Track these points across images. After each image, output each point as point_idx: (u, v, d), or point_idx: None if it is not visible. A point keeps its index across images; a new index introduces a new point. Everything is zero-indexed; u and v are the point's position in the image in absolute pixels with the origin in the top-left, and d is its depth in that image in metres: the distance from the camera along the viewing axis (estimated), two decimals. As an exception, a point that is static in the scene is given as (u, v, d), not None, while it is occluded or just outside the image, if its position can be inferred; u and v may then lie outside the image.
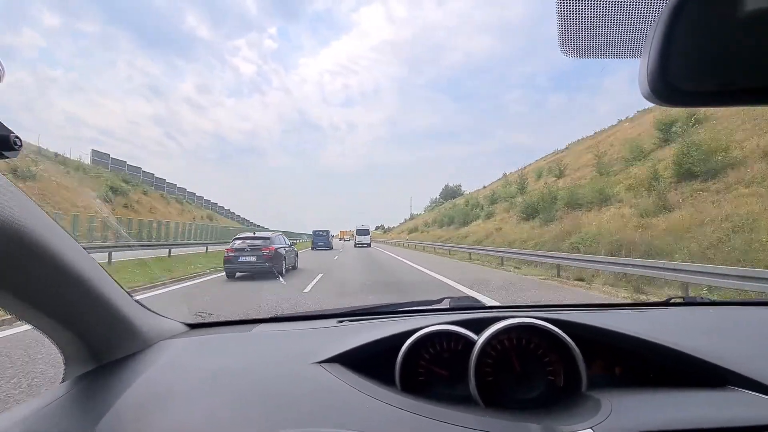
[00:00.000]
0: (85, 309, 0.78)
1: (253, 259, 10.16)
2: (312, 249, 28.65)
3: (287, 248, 11.87)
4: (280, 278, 9.95)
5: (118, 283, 0.88)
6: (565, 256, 11.15)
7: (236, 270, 10.20)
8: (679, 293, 7.15)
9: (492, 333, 0.90)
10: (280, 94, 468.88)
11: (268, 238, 10.78)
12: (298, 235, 49.59)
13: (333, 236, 35.99)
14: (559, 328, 0.91)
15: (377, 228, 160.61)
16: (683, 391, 0.81)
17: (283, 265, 10.99)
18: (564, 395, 0.87)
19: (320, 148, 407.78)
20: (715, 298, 1.50)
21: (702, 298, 1.53)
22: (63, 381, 0.86)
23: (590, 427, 0.66)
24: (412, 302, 1.43)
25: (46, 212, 0.68)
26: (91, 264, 0.77)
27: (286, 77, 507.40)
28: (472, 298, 1.48)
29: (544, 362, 0.93)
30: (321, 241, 29.71)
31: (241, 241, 10.57)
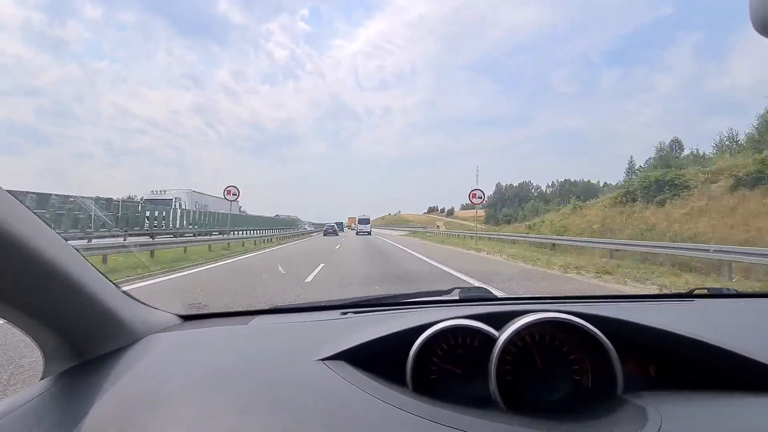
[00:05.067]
0: (66, 302, 0.73)
1: (331, 230, 41.87)
2: None
3: (339, 228, 45.58)
4: (339, 236, 39.62)
5: (101, 272, 0.84)
6: None
7: (326, 233, 41.19)
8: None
9: (516, 329, 0.81)
10: (313, 79, 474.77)
11: (334, 225, 44.04)
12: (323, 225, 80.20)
13: (345, 225, 67.51)
14: (589, 323, 0.82)
15: (430, 210, 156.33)
16: (739, 396, 0.70)
17: (338, 233, 42.80)
18: (593, 398, 0.79)
19: (355, 135, 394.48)
20: (738, 289, 1.40)
21: (728, 289, 1.43)
22: (42, 378, 0.80)
23: None
24: (420, 293, 1.37)
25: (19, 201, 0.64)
26: (70, 253, 0.73)
27: (319, 61, 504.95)
28: (483, 288, 1.40)
29: (568, 360, 0.85)
30: (340, 228, 61.56)
31: (328, 225, 43.85)
